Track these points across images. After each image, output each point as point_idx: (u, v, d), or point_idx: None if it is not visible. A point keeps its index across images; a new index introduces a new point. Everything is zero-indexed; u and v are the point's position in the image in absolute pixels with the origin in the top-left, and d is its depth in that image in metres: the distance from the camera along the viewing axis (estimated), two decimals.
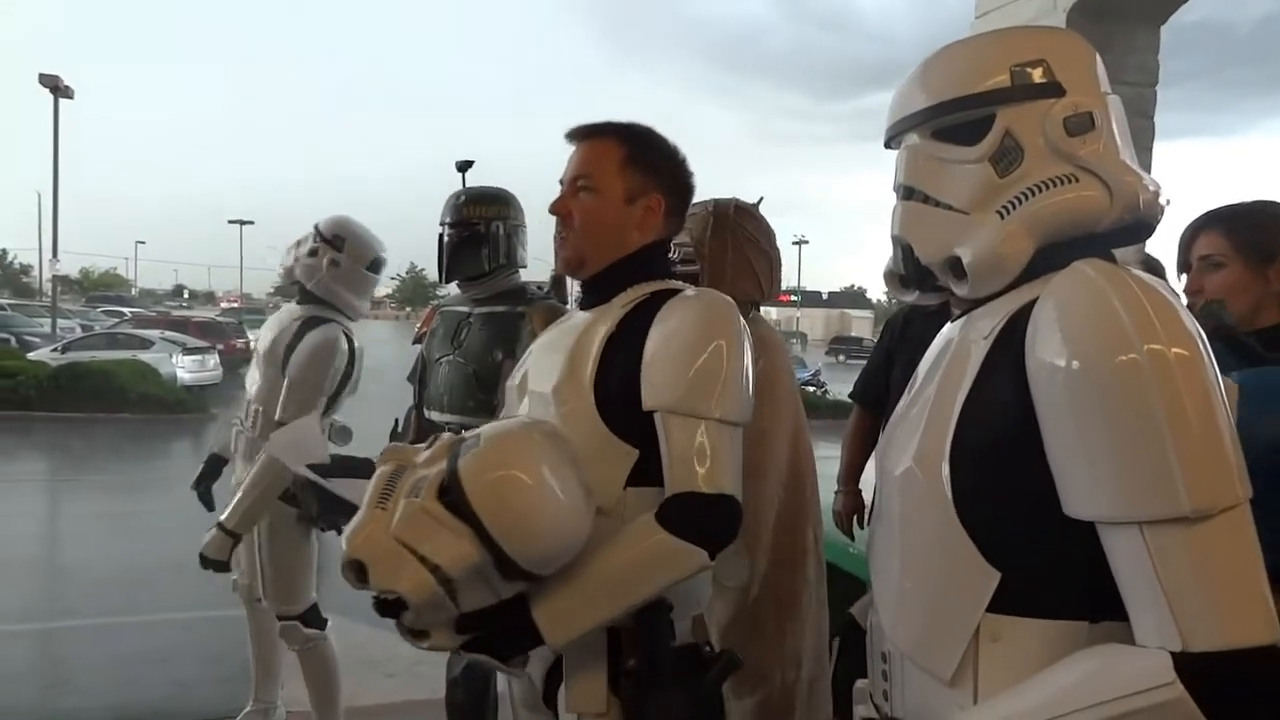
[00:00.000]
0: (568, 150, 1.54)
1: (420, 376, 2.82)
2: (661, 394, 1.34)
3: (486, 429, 1.32)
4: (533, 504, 1.23)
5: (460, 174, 2.81)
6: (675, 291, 1.47)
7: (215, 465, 3.20)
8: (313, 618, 3.00)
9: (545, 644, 1.29)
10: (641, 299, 1.47)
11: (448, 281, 2.75)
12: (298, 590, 2.96)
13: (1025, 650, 0.99)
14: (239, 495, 2.77)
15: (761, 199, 2.23)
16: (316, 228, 2.96)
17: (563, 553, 1.25)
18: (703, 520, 1.30)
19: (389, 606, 1.24)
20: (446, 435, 1.34)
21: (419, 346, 2.91)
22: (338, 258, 2.92)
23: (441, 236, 2.71)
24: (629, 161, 1.49)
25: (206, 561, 2.76)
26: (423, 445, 1.35)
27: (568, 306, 2.56)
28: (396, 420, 3.03)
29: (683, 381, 1.33)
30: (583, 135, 1.51)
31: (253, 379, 3.01)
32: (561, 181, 1.53)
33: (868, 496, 3.08)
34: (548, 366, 1.47)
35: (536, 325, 2.39)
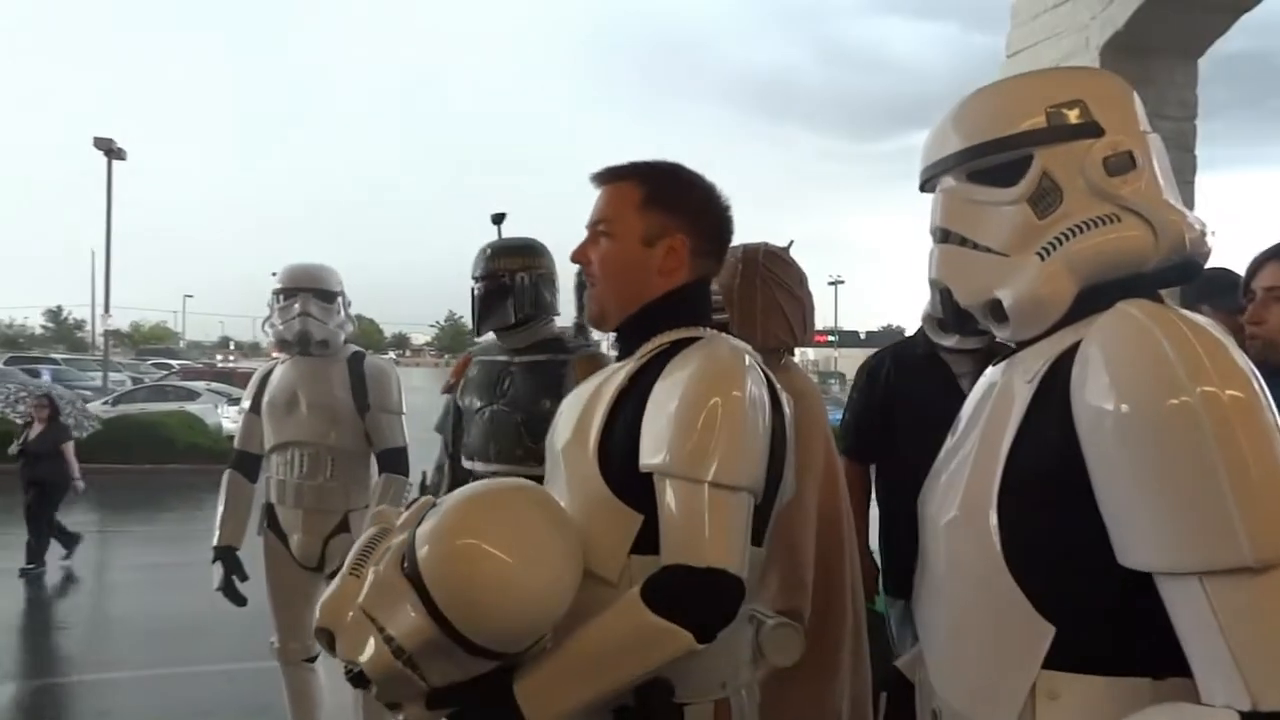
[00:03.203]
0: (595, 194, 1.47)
1: (454, 427, 2.83)
2: (656, 454, 1.21)
3: (454, 493, 1.24)
4: (485, 577, 1.12)
5: (495, 225, 2.85)
6: (697, 339, 1.36)
7: (233, 560, 3.22)
8: None
9: None
10: (660, 349, 1.36)
11: (480, 334, 2.80)
12: None
13: (1086, 709, 0.95)
14: None
15: (792, 242, 2.19)
16: (320, 292, 3.24)
17: (523, 631, 1.14)
18: (688, 598, 1.15)
19: (359, 677, 1.19)
20: (425, 498, 1.28)
21: (448, 396, 2.91)
22: (345, 300, 3.35)
23: (473, 289, 2.77)
24: (648, 202, 1.39)
25: None
26: (404, 509, 1.32)
27: (607, 352, 2.57)
28: (425, 473, 3.02)
29: (678, 441, 1.20)
30: (604, 179, 1.44)
31: (289, 428, 3.12)
32: (586, 227, 1.47)
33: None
34: (566, 424, 1.40)
35: (578, 375, 2.39)
